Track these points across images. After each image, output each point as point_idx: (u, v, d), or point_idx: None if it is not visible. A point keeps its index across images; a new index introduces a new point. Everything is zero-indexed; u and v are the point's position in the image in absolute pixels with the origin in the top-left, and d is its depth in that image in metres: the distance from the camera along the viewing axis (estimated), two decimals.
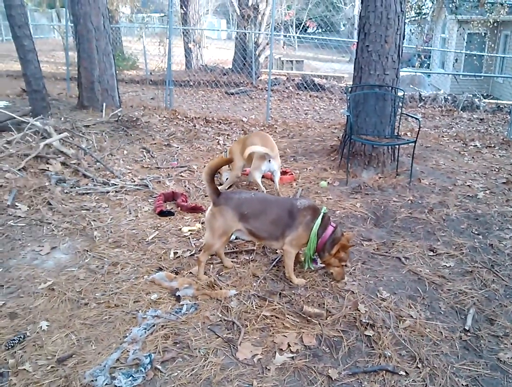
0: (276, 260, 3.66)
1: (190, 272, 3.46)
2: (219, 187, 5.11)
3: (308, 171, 5.81)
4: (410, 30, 14.90)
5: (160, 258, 3.71)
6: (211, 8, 34.17)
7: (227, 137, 7.59)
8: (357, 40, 5.88)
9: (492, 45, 17.88)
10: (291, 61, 19.78)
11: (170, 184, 5.33)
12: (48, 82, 9.79)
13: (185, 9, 14.68)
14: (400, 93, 5.92)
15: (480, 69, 17.09)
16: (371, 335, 2.82)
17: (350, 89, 5.80)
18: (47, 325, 2.80)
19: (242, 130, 8.20)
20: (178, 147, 6.75)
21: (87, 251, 3.75)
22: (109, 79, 7.73)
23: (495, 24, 14.62)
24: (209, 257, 3.50)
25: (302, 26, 30.61)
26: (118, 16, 16.28)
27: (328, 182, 5.38)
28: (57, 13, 19.59)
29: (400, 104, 5.94)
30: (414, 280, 3.51)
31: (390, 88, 5.69)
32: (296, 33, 28.77)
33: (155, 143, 6.75)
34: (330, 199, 4.93)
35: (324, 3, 34.87)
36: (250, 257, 3.74)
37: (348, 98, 5.79)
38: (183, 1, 14.88)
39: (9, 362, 2.48)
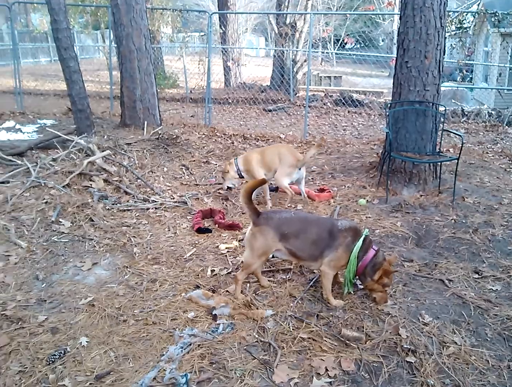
0: (314, 280, 3.60)
1: (227, 291, 3.46)
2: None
3: (347, 189, 5.74)
4: (451, 44, 14.61)
5: (198, 275, 3.73)
6: (250, 26, 34.69)
7: None
8: (395, 56, 5.80)
9: None
10: (329, 77, 19.75)
11: (208, 201, 5.38)
12: (93, 101, 10.16)
13: (224, 28, 14.97)
14: (441, 109, 5.78)
15: None
16: (413, 361, 2.71)
17: (389, 105, 5.71)
18: (86, 341, 2.85)
19: None
20: (216, 164, 6.82)
21: (127, 267, 3.82)
22: (150, 98, 7.94)
23: None
24: (246, 276, 3.48)
25: (340, 42, 30.57)
26: (160, 36, 16.76)
27: (367, 200, 5.28)
28: (102, 34, 20.40)
29: (442, 120, 5.80)
30: (458, 304, 3.37)
31: (431, 104, 5.57)
32: (334, 49, 28.76)
33: (194, 161, 6.85)
34: (369, 217, 4.83)
35: (362, 19, 34.80)
36: (287, 276, 3.71)
37: (387, 114, 5.70)
38: (222, 20, 15.19)
39: (50, 378, 2.53)
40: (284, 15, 12.97)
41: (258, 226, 3.25)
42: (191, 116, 11.62)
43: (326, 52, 24.19)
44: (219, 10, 15.60)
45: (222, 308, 3.21)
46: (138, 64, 7.66)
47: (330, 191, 5.52)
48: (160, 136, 7.25)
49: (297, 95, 14.00)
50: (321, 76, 19.26)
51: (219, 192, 5.66)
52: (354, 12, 20.99)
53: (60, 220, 4.48)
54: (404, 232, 4.52)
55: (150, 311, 3.20)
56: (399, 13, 5.84)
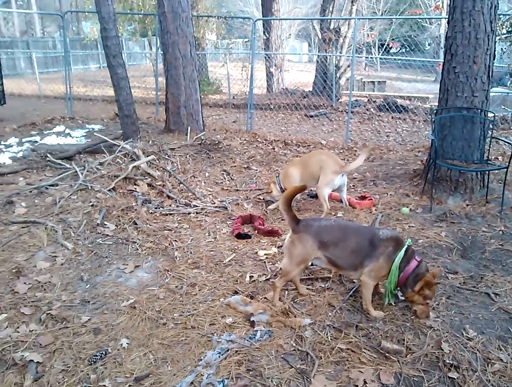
0: (353, 290, 3.55)
1: (265, 297, 3.46)
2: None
3: (389, 197, 5.62)
4: (502, 48, 14.07)
5: (236, 281, 3.75)
6: (294, 32, 34.70)
7: None
8: (443, 61, 5.66)
9: None
10: (373, 82, 19.44)
11: (248, 207, 5.41)
12: (139, 107, 10.44)
13: (267, 34, 15.04)
14: (490, 115, 5.58)
15: None
16: (455, 377, 2.62)
17: (435, 111, 5.56)
18: (127, 343, 2.92)
19: None
20: (257, 170, 6.85)
21: (168, 270, 3.89)
22: (194, 104, 8.08)
23: None
24: (285, 283, 3.47)
25: (384, 47, 30.05)
26: (205, 43, 17.05)
27: (410, 209, 5.16)
28: (149, 42, 20.97)
29: (491, 126, 5.60)
30: (505, 318, 3.23)
31: (479, 110, 5.39)
32: (378, 54, 28.29)
33: (235, 166, 6.91)
34: (413, 226, 4.72)
35: (408, 23, 34.12)
36: (326, 285, 3.67)
37: (433, 120, 5.55)
38: (266, 27, 15.28)
39: (91, 378, 2.61)
40: (328, 20, 12.90)
41: (297, 234, 3.24)
42: (233, 121, 11.74)
43: (370, 57, 23.82)
44: (263, 16, 15.70)
45: (260, 314, 3.21)
46: (183, 71, 7.83)
47: (371, 199, 5.43)
48: (203, 141, 7.36)
49: (339, 100, 13.86)
50: (364, 82, 18.98)
51: (259, 198, 5.68)
52: (400, 17, 20.59)
53: (105, 222, 4.62)
54: (449, 243, 4.38)
55: (189, 315, 3.25)
56: (446, 17, 5.69)
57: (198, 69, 8.20)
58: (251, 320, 3.16)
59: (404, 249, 3.10)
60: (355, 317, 3.24)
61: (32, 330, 3.05)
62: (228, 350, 2.83)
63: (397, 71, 25.10)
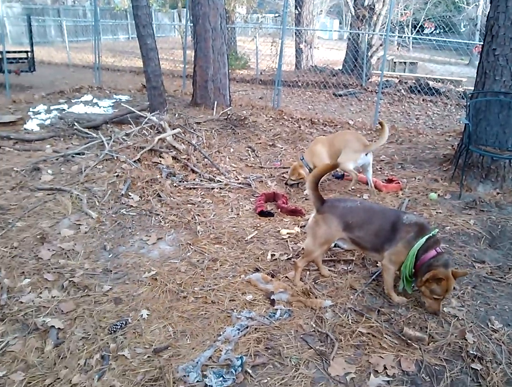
0: (376, 274, 3.49)
1: (286, 277, 3.43)
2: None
3: (417, 181, 5.48)
4: None
5: (258, 258, 3.73)
6: (325, 9, 33.88)
7: None
8: (482, 43, 5.42)
9: None
10: (405, 63, 18.89)
11: (271, 184, 5.36)
12: (166, 79, 10.39)
13: (299, 9, 14.69)
14: None
15: None
16: (479, 369, 2.56)
17: (471, 95, 5.36)
18: (147, 314, 2.94)
19: None
20: (282, 148, 6.77)
21: (190, 244, 3.89)
22: (222, 78, 7.99)
23: None
24: (307, 263, 3.43)
25: (419, 26, 29.11)
26: (234, 17, 16.78)
27: (439, 195, 5.02)
28: (178, 13, 20.76)
29: None
30: None
31: None
32: (411, 33, 27.44)
33: (260, 143, 6.83)
34: (440, 212, 4.60)
35: (444, 2, 32.91)
36: (348, 268, 3.62)
37: (468, 104, 5.35)
38: (298, 1, 14.92)
39: (111, 346, 2.64)
40: None
41: (322, 214, 3.18)
42: (260, 98, 11.61)
43: (404, 37, 23.12)
44: None
45: (281, 293, 3.19)
46: (213, 43, 7.71)
47: (399, 183, 5.30)
48: (229, 117, 7.29)
49: (369, 80, 13.53)
50: (395, 62, 18.45)
51: (283, 176, 5.62)
52: None
53: (130, 193, 4.64)
54: (477, 231, 4.25)
55: (209, 290, 3.24)
56: None
57: (227, 42, 8.05)
58: (272, 298, 3.14)
59: (426, 236, 2.98)
60: (377, 302, 3.19)
61: (54, 296, 3.10)
62: (247, 327, 2.82)
63: (430, 53, 24.39)
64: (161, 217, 4.32)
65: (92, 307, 3.02)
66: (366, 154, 4.91)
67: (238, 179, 5.41)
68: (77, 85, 10.52)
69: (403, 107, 11.61)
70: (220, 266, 3.59)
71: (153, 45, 7.01)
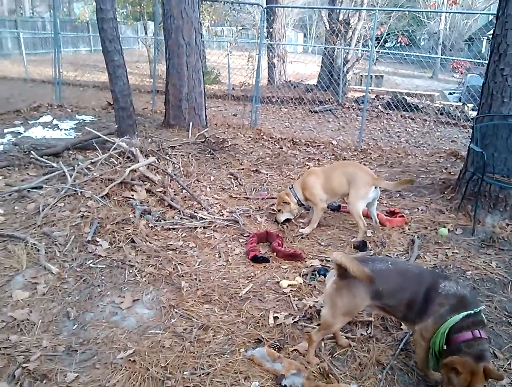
0: (404, 341, 2.89)
1: (296, 350, 2.79)
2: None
3: (420, 213, 4.97)
4: None
5: (258, 322, 3.08)
6: (291, 22, 33.78)
7: (318, 163, 6.89)
8: (487, 62, 5.00)
9: None
10: (371, 77, 18.78)
11: (261, 220, 4.72)
12: (133, 95, 9.64)
13: (270, 23, 14.22)
14: None
15: None
16: None
17: (477, 119, 4.90)
18: None
19: (333, 154, 7.48)
20: (267, 174, 6.14)
21: (174, 306, 3.20)
22: (197, 97, 7.32)
23: None
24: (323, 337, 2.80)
25: (381, 41, 29.31)
26: (203, 29, 16.16)
27: (449, 230, 4.51)
28: (144, 26, 19.96)
29: None
30: None
31: None
32: (376, 47, 27.63)
33: (242, 169, 6.19)
34: (456, 253, 4.07)
35: (407, 17, 33.41)
36: (368, 332, 3.01)
37: (474, 129, 4.89)
38: (270, 15, 14.44)
39: None
40: (338, 11, 12.13)
41: (345, 279, 2.54)
42: (234, 114, 11.03)
43: (382, 52, 23.15)
44: (267, 4, 14.86)
45: (293, 376, 2.55)
46: (187, 60, 7.04)
47: (403, 216, 4.77)
48: (206, 139, 6.63)
49: (345, 96, 13.16)
50: (361, 75, 18.26)
51: (273, 209, 4.99)
52: (427, 10, 19.90)
53: (97, 239, 3.90)
54: (501, 275, 3.74)
55: (203, 374, 2.57)
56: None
57: (202, 58, 7.41)
58: (283, 385, 2.50)
59: (464, 313, 2.34)
60: (411, 380, 2.60)
61: None
62: None
63: (394, 66, 24.46)
64: (136, 269, 3.61)
65: None
66: (375, 188, 4.32)
67: (223, 214, 4.75)
68: (35, 103, 9.61)
69: (382, 124, 11.25)
70: (213, 336, 2.91)
71: (121, 61, 6.29)
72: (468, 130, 10.91)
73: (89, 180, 4.75)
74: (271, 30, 13.91)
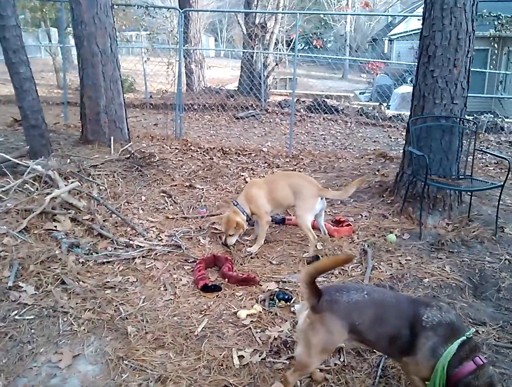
0: (381, 367, 2.70)
1: None
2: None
3: (365, 219, 4.89)
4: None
5: (221, 365, 2.74)
6: (202, 26, 33.51)
7: (253, 173, 6.65)
8: (417, 64, 5.05)
9: (494, 62, 17.31)
10: (285, 79, 19.11)
11: (205, 242, 4.37)
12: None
13: (186, 28, 13.80)
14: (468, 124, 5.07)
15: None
16: None
17: (412, 121, 4.92)
18: None
19: (266, 162, 7.29)
20: (202, 188, 5.77)
21: (122, 358, 2.75)
22: (117, 109, 6.75)
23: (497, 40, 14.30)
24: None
25: (291, 43, 29.98)
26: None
27: (396, 235, 4.46)
28: (47, 33, 18.58)
29: (473, 137, 5.11)
30: None
31: (459, 119, 4.86)
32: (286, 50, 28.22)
33: (175, 185, 5.77)
34: (409, 260, 4.00)
35: (313, 20, 34.43)
36: (341, 360, 2.79)
37: (409, 132, 4.90)
38: (184, 20, 14.01)
39: None
40: (254, 14, 12.01)
41: (319, 313, 2.27)
42: (154, 124, 10.53)
43: (301, 55, 23.59)
44: (180, 8, 14.39)
45: None
46: (103, 69, 6.44)
47: (349, 224, 4.65)
48: (132, 155, 6.12)
49: (267, 101, 13.10)
50: (276, 79, 18.42)
51: (215, 228, 4.66)
52: (362, 13, 20.53)
53: (20, 284, 3.32)
54: (457, 280, 3.72)
55: None
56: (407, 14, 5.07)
57: (119, 67, 6.86)
58: None
59: (458, 341, 2.12)
60: None
61: None
62: None
63: (304, 68, 25.11)
64: (71, 316, 3.10)
65: None
66: (321, 199, 4.17)
67: (161, 239, 4.33)
68: None
69: (306, 127, 11.32)
70: None
71: (28, 74, 5.58)
72: (387, 130, 11.31)
73: (2, 213, 4.11)
74: (185, 35, 13.45)
